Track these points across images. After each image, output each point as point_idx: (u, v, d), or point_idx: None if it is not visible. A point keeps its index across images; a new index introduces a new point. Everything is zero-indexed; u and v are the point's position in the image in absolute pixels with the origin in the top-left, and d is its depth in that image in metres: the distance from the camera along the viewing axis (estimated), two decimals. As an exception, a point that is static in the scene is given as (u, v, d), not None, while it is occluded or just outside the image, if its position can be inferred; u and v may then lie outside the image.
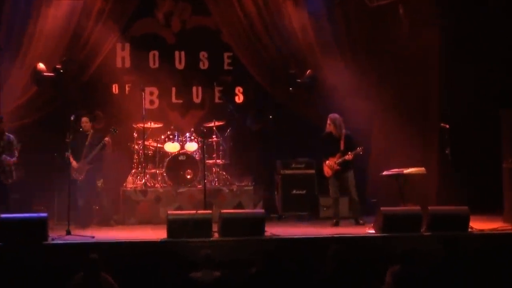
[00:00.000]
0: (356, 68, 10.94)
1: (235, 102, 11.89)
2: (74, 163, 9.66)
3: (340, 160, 9.57)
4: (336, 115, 9.72)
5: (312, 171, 11.09)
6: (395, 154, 10.45)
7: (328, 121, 9.65)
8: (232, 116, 11.30)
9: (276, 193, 11.20)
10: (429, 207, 8.80)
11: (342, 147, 9.64)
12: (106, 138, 9.79)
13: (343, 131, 9.65)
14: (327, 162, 9.63)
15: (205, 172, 9.80)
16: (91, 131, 10.00)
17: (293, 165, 11.12)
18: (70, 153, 9.34)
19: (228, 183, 10.99)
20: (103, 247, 7.77)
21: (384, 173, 10.03)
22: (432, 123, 10.91)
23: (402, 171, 9.86)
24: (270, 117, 11.67)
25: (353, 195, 9.63)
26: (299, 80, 11.13)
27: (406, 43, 10.90)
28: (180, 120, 11.74)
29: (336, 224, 9.58)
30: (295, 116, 11.62)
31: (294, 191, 10.98)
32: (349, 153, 9.54)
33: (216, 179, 11.06)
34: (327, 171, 9.68)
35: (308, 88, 11.16)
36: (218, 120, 11.14)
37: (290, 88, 11.16)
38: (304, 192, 10.97)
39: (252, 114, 11.84)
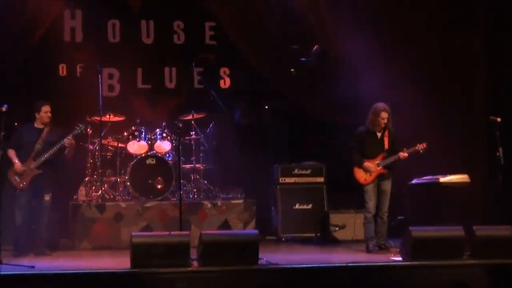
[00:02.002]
0: (379, 43, 11.00)
1: (220, 88, 11.97)
2: (17, 164, 9.47)
3: (390, 160, 9.54)
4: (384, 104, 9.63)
5: (321, 179, 11.14)
6: (428, 156, 10.34)
7: (382, 114, 9.50)
8: (216, 106, 11.34)
9: (273, 208, 11.29)
10: (474, 227, 8.76)
11: (386, 145, 9.64)
12: (68, 138, 9.52)
13: (390, 125, 9.65)
14: (365, 164, 9.61)
15: (181, 181, 9.78)
16: (48, 125, 9.70)
17: (296, 171, 11.19)
18: (8, 152, 9.21)
19: (211, 195, 11.07)
20: (46, 280, 7.70)
21: (414, 181, 10.07)
22: (478, 114, 10.94)
23: (438, 178, 9.90)
24: (266, 107, 11.71)
25: (384, 212, 9.63)
26: (303, 59, 11.17)
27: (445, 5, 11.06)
28: (149, 112, 11.79)
29: (375, 249, 9.54)
30: (298, 107, 11.62)
31: (297, 206, 11.07)
32: (405, 149, 9.51)
33: (195, 190, 11.10)
34: (365, 176, 9.62)
35: (315, 69, 11.21)
36: (198, 111, 11.20)
37: (292, 70, 11.23)
38: (310, 207, 11.05)
39: (242, 104, 11.90)
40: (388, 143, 9.65)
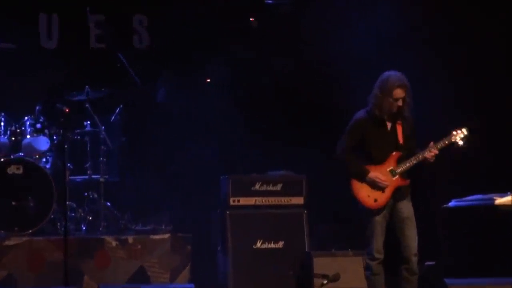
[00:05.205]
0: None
1: (132, 48, 12.15)
2: None
3: (410, 164, 9.31)
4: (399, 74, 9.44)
5: (299, 200, 11.03)
6: (472, 167, 10.68)
7: (397, 92, 9.23)
8: (126, 79, 11.41)
9: (220, 248, 11.11)
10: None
11: (401, 139, 9.39)
12: None
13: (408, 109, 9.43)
14: (371, 174, 9.34)
15: (68, 203, 9.99)
16: None
17: (258, 187, 11.05)
18: None
19: (117, 226, 11.07)
20: None
21: (452, 203, 10.33)
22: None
23: (492, 199, 10.11)
24: (208, 81, 11.59)
25: (412, 255, 9.29)
26: (270, 0, 11.40)
27: None
28: (12, 88, 11.70)
29: None
30: (260, 80, 11.58)
31: (259, 244, 10.87)
32: (432, 144, 9.25)
33: (90, 218, 11.08)
34: (374, 195, 9.38)
35: (287, 19, 11.43)
36: (96, 87, 11.24)
37: (251, 19, 11.39)
38: (280, 245, 10.88)
39: (170, 75, 11.81)
40: (402, 135, 9.41)
